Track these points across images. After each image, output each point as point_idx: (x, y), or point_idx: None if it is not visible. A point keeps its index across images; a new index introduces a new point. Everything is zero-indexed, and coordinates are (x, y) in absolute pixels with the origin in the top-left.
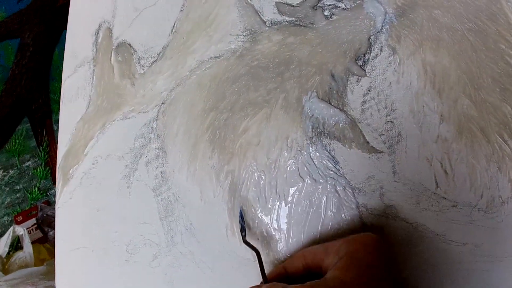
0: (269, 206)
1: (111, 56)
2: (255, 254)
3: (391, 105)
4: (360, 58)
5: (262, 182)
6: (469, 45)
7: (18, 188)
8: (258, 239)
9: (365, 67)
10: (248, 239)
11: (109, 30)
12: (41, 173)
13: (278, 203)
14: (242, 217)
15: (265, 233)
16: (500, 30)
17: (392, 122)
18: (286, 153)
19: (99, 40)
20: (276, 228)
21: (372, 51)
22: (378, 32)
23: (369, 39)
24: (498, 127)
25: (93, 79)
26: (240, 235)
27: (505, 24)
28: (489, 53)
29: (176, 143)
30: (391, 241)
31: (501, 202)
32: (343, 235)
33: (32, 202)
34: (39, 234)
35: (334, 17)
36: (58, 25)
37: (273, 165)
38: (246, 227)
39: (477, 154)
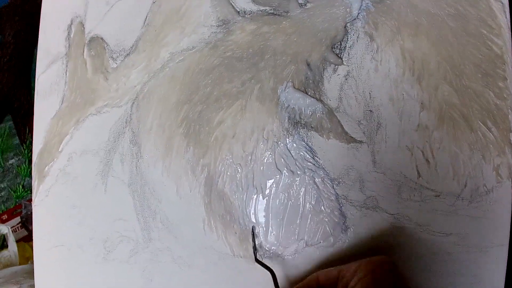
0: (246, 199)
1: (83, 51)
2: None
3: (370, 93)
4: (337, 46)
5: (238, 175)
6: (449, 31)
7: (3, 186)
8: (235, 233)
9: (341, 55)
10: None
11: (81, 24)
12: (25, 170)
13: (255, 196)
14: (254, 236)
15: (243, 227)
16: (482, 15)
17: (371, 111)
18: (262, 145)
19: (72, 35)
20: (254, 221)
21: (349, 39)
22: (355, 19)
23: (345, 26)
24: (481, 114)
25: (66, 75)
26: (253, 253)
27: (487, 9)
28: (470, 39)
29: (151, 138)
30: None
31: (485, 191)
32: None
33: (17, 200)
34: (24, 232)
35: (309, 5)
36: (39, 22)
37: (250, 157)
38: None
39: (460, 142)
